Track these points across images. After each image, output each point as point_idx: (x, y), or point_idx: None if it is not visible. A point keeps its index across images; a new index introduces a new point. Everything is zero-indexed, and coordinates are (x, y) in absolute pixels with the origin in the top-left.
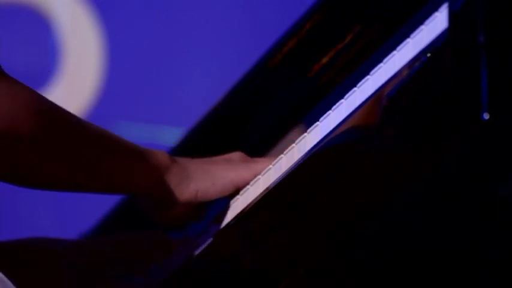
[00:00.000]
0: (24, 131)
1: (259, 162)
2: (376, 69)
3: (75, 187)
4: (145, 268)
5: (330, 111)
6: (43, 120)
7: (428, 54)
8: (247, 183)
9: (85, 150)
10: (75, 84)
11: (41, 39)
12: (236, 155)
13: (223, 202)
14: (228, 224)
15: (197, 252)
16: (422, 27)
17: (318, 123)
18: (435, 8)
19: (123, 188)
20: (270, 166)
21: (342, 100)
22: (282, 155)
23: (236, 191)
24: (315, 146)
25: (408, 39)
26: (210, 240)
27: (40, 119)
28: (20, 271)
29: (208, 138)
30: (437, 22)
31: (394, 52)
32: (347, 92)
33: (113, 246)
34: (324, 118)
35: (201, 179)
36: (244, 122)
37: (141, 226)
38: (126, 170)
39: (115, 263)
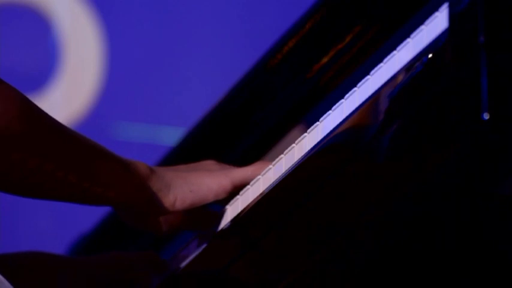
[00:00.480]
0: (16, 132)
1: (236, 170)
2: (376, 69)
3: (57, 192)
4: None
5: (330, 111)
6: (34, 123)
7: (429, 55)
8: (226, 191)
9: (69, 154)
10: (75, 84)
11: (41, 39)
12: (210, 163)
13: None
14: (227, 226)
15: (195, 254)
16: (422, 27)
17: (318, 123)
18: (435, 8)
19: (103, 197)
20: (270, 166)
21: (342, 100)
22: (282, 155)
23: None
24: (315, 146)
25: (408, 39)
26: (208, 242)
27: (31, 121)
28: (17, 283)
29: (208, 138)
30: (437, 22)
31: (394, 52)
32: (347, 92)
33: (105, 266)
34: (324, 118)
35: (178, 187)
36: (244, 122)
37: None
38: (108, 178)
39: (106, 283)
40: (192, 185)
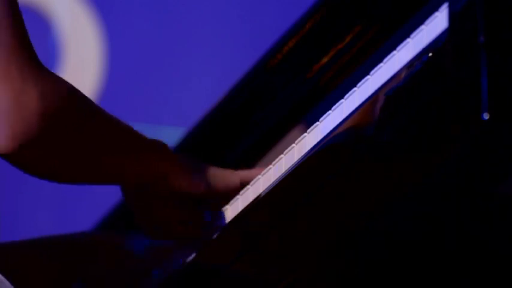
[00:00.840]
0: (66, 118)
1: (243, 171)
2: (376, 69)
3: (95, 172)
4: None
5: (330, 111)
6: (80, 109)
7: (429, 54)
8: (236, 188)
9: (107, 135)
10: (75, 84)
11: (41, 39)
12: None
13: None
14: (227, 225)
15: (195, 253)
16: (422, 27)
17: (318, 123)
18: (435, 8)
19: (127, 174)
20: (270, 166)
21: (342, 100)
22: (282, 155)
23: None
24: (315, 146)
25: (408, 39)
26: (208, 242)
27: (78, 108)
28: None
29: (208, 138)
30: (437, 22)
31: (394, 52)
32: (347, 92)
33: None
34: (324, 118)
35: (204, 172)
36: (244, 122)
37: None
38: (135, 157)
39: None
40: (213, 174)
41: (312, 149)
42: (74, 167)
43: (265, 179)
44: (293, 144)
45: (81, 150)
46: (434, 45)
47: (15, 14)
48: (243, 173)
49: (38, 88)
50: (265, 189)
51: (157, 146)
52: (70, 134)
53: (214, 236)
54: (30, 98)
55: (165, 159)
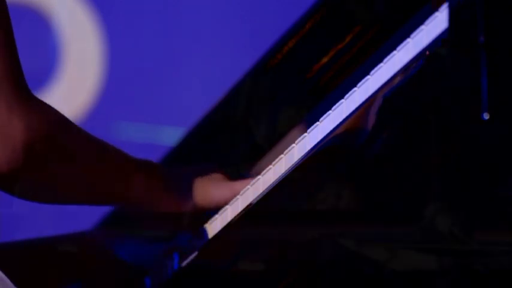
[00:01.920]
0: (52, 147)
1: (239, 183)
2: (376, 69)
3: (73, 195)
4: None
5: (330, 111)
6: (62, 132)
7: (429, 55)
8: (228, 203)
9: (89, 156)
10: (75, 84)
11: (41, 39)
12: (212, 169)
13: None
14: (226, 226)
15: (194, 254)
16: (422, 27)
17: (318, 123)
18: (435, 8)
19: (115, 196)
20: (270, 166)
21: (342, 100)
22: (282, 155)
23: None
24: (315, 146)
25: (408, 39)
26: (206, 242)
27: (61, 130)
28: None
29: (208, 138)
30: (437, 22)
31: (394, 52)
32: (347, 92)
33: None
34: (324, 118)
35: (186, 191)
36: (244, 122)
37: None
38: (119, 177)
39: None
40: (198, 193)
41: (312, 149)
42: (62, 191)
43: (265, 179)
44: (293, 144)
45: (68, 176)
46: (435, 45)
47: (7, 44)
48: (239, 187)
49: (24, 120)
50: (265, 189)
51: (146, 167)
52: (56, 162)
53: (212, 238)
54: (16, 130)
55: (151, 183)
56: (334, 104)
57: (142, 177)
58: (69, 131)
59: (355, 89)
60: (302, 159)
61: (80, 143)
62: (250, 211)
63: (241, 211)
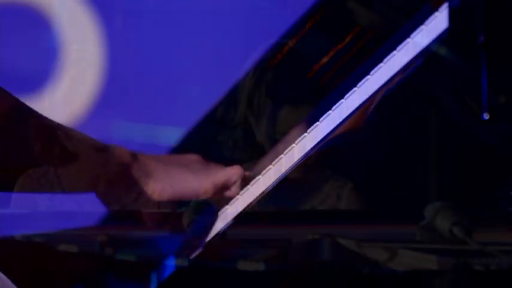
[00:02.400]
0: (9, 133)
1: (218, 172)
2: (376, 69)
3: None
4: None
5: (330, 111)
6: (24, 123)
7: (429, 55)
8: (207, 193)
9: (49, 140)
10: (75, 84)
11: (41, 39)
12: (195, 160)
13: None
14: (226, 226)
15: (196, 252)
16: (422, 27)
17: (318, 123)
18: (435, 8)
19: (81, 181)
20: (270, 166)
21: (342, 100)
22: (282, 155)
23: None
24: (315, 146)
25: (408, 39)
26: (207, 241)
27: (21, 122)
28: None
29: (208, 138)
30: (437, 22)
31: (394, 52)
32: (347, 92)
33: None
34: (324, 118)
35: (160, 179)
36: (244, 121)
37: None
38: (87, 162)
39: None
40: (174, 181)
41: (312, 149)
42: (25, 177)
43: (265, 179)
44: (293, 144)
45: (30, 161)
46: (434, 45)
47: None
48: (218, 176)
49: None
50: (265, 189)
51: (119, 152)
52: (16, 148)
53: (213, 237)
54: None
55: (123, 168)
56: (334, 104)
57: (113, 163)
58: (25, 115)
59: (355, 89)
60: (302, 159)
61: (38, 128)
62: (250, 211)
63: (241, 211)
